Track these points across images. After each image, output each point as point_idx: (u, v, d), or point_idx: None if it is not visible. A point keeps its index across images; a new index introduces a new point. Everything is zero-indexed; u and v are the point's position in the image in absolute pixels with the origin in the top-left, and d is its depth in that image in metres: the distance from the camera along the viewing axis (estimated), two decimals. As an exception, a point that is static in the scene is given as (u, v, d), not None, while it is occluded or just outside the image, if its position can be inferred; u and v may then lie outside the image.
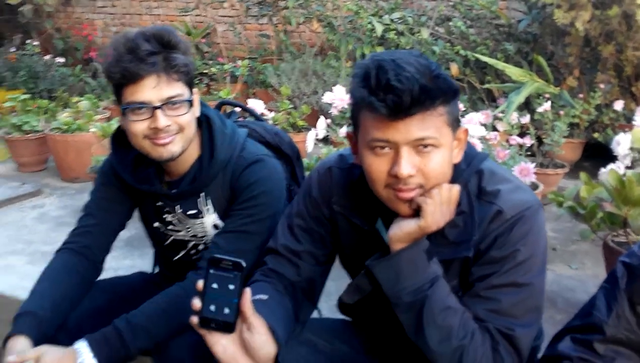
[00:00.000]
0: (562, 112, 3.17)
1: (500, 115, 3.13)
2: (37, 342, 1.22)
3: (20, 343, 1.20)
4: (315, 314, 1.40)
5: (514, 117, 3.11)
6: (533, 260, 1.06)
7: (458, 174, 1.08)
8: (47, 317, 1.27)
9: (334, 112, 3.16)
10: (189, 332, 1.26)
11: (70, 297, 1.36)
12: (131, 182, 1.43)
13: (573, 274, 2.14)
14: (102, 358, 1.18)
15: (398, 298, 1.07)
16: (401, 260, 1.06)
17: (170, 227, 1.47)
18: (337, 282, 1.36)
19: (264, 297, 1.17)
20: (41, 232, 2.61)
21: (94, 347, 1.18)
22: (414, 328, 1.06)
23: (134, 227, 2.12)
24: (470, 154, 1.12)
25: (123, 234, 1.53)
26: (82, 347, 1.18)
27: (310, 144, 2.81)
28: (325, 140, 3.21)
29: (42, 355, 1.15)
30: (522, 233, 1.05)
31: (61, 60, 5.95)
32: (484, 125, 2.55)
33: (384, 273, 1.08)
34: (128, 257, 2.26)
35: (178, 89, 1.28)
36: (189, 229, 1.46)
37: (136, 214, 1.56)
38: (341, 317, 1.38)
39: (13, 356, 1.16)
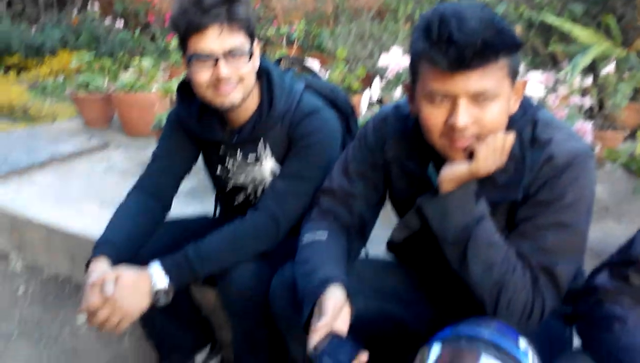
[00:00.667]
0: (626, 75, 3.10)
1: (563, 78, 3.09)
2: (114, 265, 1.38)
3: (100, 265, 1.36)
4: (362, 255, 1.52)
5: (576, 80, 3.07)
6: (580, 203, 1.11)
7: (513, 123, 1.13)
8: (123, 246, 1.43)
9: (389, 75, 3.21)
10: (250, 262, 1.41)
11: (142, 231, 1.52)
12: (196, 131, 1.57)
13: (623, 232, 2.17)
14: (173, 278, 1.34)
15: (445, 235, 1.15)
16: (450, 200, 1.14)
17: (231, 173, 1.62)
18: (386, 230, 1.47)
19: (323, 237, 1.29)
20: (110, 182, 2.83)
21: (166, 268, 1.34)
22: (458, 262, 1.15)
23: (195, 179, 2.30)
24: (527, 104, 1.17)
25: (184, 185, 1.67)
26: (156, 268, 1.34)
27: (365, 104, 2.89)
28: (380, 102, 3.28)
29: (121, 274, 1.31)
30: (572, 178, 1.09)
31: (120, 24, 6.21)
32: (545, 87, 2.55)
33: (432, 212, 1.16)
34: (190, 205, 2.44)
35: (240, 39, 1.38)
36: (248, 175, 1.59)
37: (199, 165, 1.71)
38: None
39: (96, 274, 1.33)
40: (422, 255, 1.35)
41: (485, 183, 1.15)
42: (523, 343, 1.01)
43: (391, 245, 1.46)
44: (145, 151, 3.30)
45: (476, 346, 0.98)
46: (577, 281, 1.24)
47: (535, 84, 2.35)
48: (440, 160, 1.16)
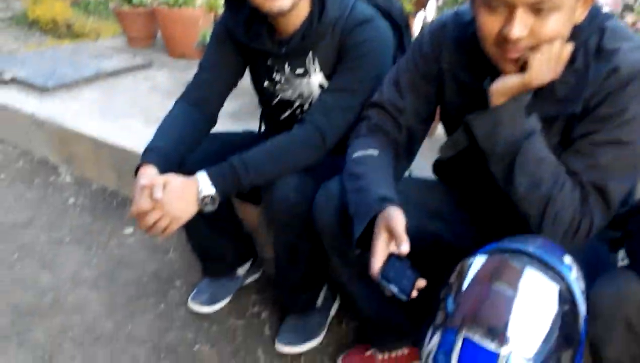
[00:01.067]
0: None
1: (632, 3, 2.95)
2: (162, 173, 1.45)
3: (149, 171, 1.43)
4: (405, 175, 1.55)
5: (649, 6, 2.91)
6: None
7: (578, 32, 1.10)
8: (170, 153, 1.50)
9: (447, -5, 3.11)
10: (295, 175, 1.46)
11: (188, 140, 1.57)
12: (243, 40, 1.58)
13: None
14: (218, 186, 1.40)
15: (492, 149, 1.16)
16: (499, 113, 1.13)
17: (278, 86, 1.64)
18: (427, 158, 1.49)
19: (374, 153, 1.32)
20: (154, 101, 2.92)
21: (212, 176, 1.40)
22: (504, 178, 1.16)
23: (239, 101, 2.35)
24: (595, 12, 1.12)
25: (228, 106, 1.71)
26: (202, 177, 1.40)
27: (418, 28, 2.84)
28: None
29: (169, 180, 1.38)
30: (635, 92, 1.06)
31: None
32: (612, 12, 2.44)
33: (481, 126, 1.16)
34: (233, 127, 2.50)
35: None
36: (296, 89, 1.62)
37: (244, 87, 1.72)
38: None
39: (145, 178, 1.40)
40: (468, 175, 1.36)
41: (543, 96, 1.14)
42: (568, 259, 1.04)
43: (437, 164, 1.49)
44: (188, 73, 3.34)
45: (521, 259, 1.01)
46: (628, 204, 1.24)
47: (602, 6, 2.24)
48: (498, 73, 1.14)
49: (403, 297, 1.10)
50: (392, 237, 1.13)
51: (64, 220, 2.38)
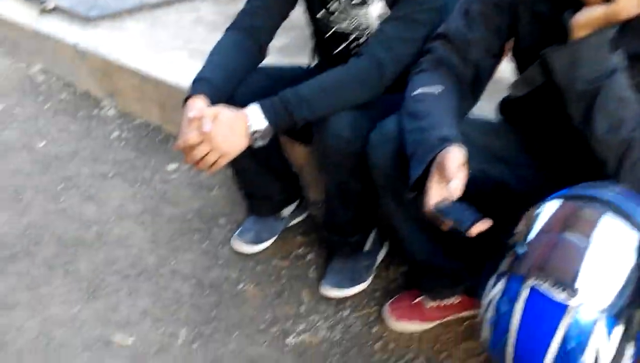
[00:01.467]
0: None
1: None
2: (212, 105, 1.43)
3: (198, 102, 1.41)
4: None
5: None
6: None
7: None
8: (220, 85, 1.48)
9: None
10: (349, 112, 1.42)
11: (238, 71, 1.55)
12: None
13: None
14: (270, 120, 1.38)
15: (571, 87, 1.10)
16: (581, 47, 1.08)
17: (333, 17, 1.59)
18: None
19: (437, 89, 1.26)
20: (199, 34, 2.87)
21: (264, 109, 1.38)
22: (581, 119, 1.11)
23: (287, 36, 2.30)
24: None
25: (276, 42, 1.67)
26: (254, 109, 1.38)
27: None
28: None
29: (219, 112, 1.36)
30: None
31: None
32: None
33: (559, 61, 1.11)
34: (282, 62, 2.46)
35: None
36: (353, 19, 1.56)
37: (294, 16, 1.67)
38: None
39: (194, 110, 1.39)
40: (539, 115, 1.31)
41: (630, 31, 1.07)
42: (647, 212, 0.99)
43: (505, 103, 1.43)
44: (233, 6, 3.28)
45: (596, 206, 0.97)
46: None
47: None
48: (580, 4, 1.09)
49: (463, 227, 1.04)
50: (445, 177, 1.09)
51: (107, 154, 2.41)
